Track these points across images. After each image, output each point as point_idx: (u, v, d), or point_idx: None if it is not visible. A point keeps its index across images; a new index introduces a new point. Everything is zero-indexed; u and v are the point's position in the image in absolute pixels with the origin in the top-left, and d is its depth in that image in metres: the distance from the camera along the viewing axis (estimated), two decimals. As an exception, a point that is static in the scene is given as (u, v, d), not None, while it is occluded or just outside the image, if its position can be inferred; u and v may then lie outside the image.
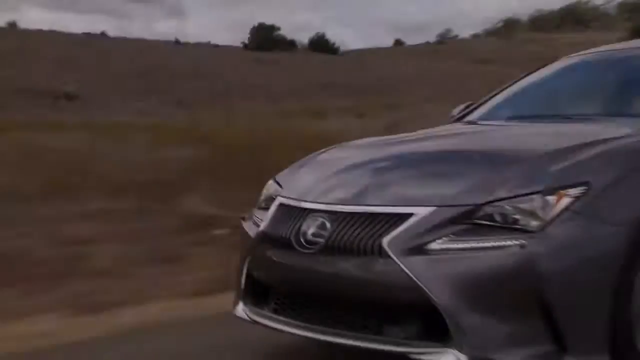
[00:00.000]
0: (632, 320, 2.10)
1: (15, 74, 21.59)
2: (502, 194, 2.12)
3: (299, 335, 2.43)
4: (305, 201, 2.45)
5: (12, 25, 41.89)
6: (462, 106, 3.66)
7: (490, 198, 2.13)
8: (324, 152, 3.03)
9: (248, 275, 2.59)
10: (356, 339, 2.21)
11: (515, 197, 2.11)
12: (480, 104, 3.65)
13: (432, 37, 61.02)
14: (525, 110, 3.48)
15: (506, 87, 3.73)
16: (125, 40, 38.45)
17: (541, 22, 56.96)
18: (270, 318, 2.48)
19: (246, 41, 42.41)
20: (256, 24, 43.56)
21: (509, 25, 58.65)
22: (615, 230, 2.07)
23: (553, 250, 2.01)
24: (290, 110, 18.40)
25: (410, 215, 2.15)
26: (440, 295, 2.01)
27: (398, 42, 58.69)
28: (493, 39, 54.64)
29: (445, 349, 2.02)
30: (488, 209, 2.10)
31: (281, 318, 2.45)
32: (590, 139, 2.45)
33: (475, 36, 60.57)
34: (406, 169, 2.59)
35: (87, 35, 39.78)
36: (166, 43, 39.60)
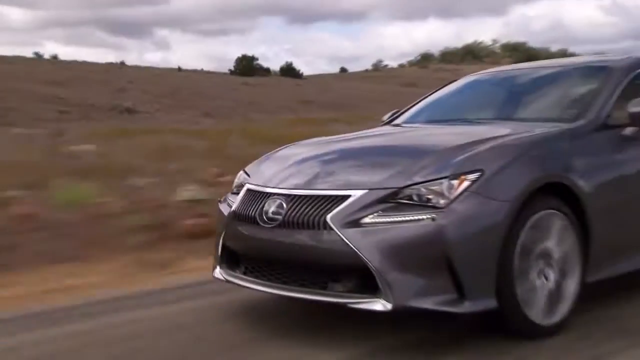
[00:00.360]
0: (513, 272, 2.49)
1: (82, 94, 25.34)
2: (418, 179, 2.56)
3: (263, 292, 2.85)
4: (267, 187, 2.89)
5: (54, 57, 47.99)
6: (390, 113, 4.18)
7: (409, 182, 2.57)
8: (281, 149, 3.44)
9: (223, 246, 3.04)
10: (306, 293, 2.65)
11: (428, 181, 2.55)
12: (404, 111, 4.13)
13: (365, 66, 73.39)
14: (437, 116, 3.95)
15: (423, 99, 4.21)
16: (140, 68, 44.63)
17: (449, 56, 70.25)
18: (240, 278, 2.92)
19: (232, 68, 50.19)
20: (240, 55, 51.71)
21: (426, 58, 72.38)
22: (501, 205, 2.49)
23: (456, 221, 2.44)
24: (290, 120, 19.26)
25: (348, 196, 2.58)
26: (371, 258, 2.42)
27: (343, 70, 68.86)
28: (415, 68, 65.50)
29: (376, 299, 2.43)
30: (407, 191, 2.54)
31: (249, 278, 2.88)
32: (483, 137, 2.88)
33: (401, 65, 71.99)
34: (345, 161, 3.02)
35: (110, 64, 45.67)
36: (170, 69, 46.44)
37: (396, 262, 2.43)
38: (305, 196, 2.71)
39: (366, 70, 68.11)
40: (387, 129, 3.94)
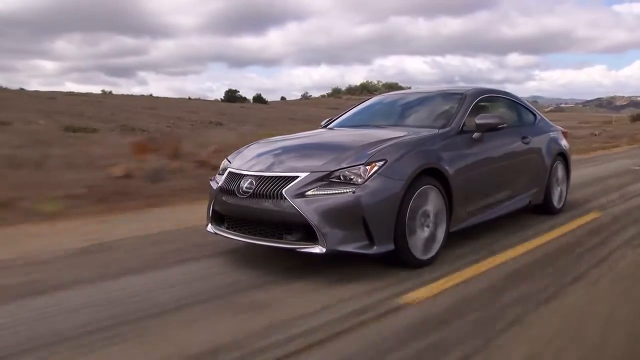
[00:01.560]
0: (405, 225, 3.16)
1: (124, 119, 26.93)
2: (344, 165, 3.14)
3: (239, 240, 3.40)
4: (242, 170, 3.43)
5: (85, 94, 52.89)
6: (325, 120, 4.91)
7: (338, 167, 3.13)
8: (251, 144, 3.94)
9: (213, 209, 3.54)
10: (269, 241, 3.20)
11: (350, 167, 3.13)
12: (334, 119, 4.84)
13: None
14: (356, 122, 4.60)
15: (347, 111, 4.97)
16: (153, 97, 53.53)
17: (352, 90, 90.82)
18: (224, 231, 3.44)
19: (222, 97, 64.42)
20: (227, 89, 66.05)
21: (337, 91, 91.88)
22: (398, 182, 3.12)
23: (368, 193, 3.03)
24: (283, 129, 20.08)
25: (297, 177, 3.14)
26: (312, 218, 2.98)
27: (283, 98, 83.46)
28: (332, 98, 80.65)
29: (315, 245, 3.01)
30: (337, 173, 3.11)
31: (230, 231, 3.41)
32: (386, 138, 3.50)
33: (322, 96, 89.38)
34: (295, 152, 3.55)
35: (130, 96, 52.57)
36: (181, 98, 55.70)
37: (329, 221, 2.98)
38: (268, 177, 3.24)
39: (300, 99, 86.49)
40: (323, 131, 4.56)
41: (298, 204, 3.05)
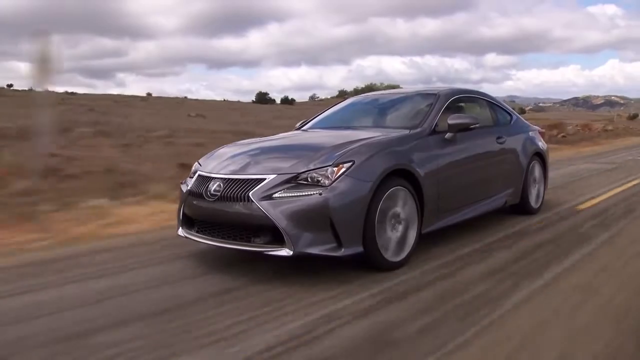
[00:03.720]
0: (374, 227, 3.03)
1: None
2: (312, 166, 3.00)
3: (208, 244, 3.27)
4: (211, 173, 3.27)
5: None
6: (300, 122, 4.74)
7: (306, 169, 3.00)
8: (220, 147, 3.80)
9: (183, 213, 3.40)
10: (237, 244, 3.07)
11: (317, 168, 2.99)
12: (309, 120, 4.66)
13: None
14: (330, 123, 4.44)
15: (321, 112, 4.78)
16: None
17: (359, 92, 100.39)
18: (194, 235, 3.29)
19: (254, 99, 69.58)
20: (258, 91, 72.96)
21: (343, 93, 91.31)
22: (366, 183, 2.99)
23: (335, 195, 2.90)
24: None
25: (264, 179, 3.00)
26: (279, 220, 2.85)
27: (293, 100, 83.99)
28: (337, 99, 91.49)
29: (282, 248, 2.88)
30: (304, 175, 2.98)
31: (200, 235, 3.27)
32: (356, 139, 3.35)
33: (326, 98, 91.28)
34: (263, 155, 3.39)
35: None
36: (215, 101, 55.31)
37: (296, 223, 2.85)
38: (235, 179, 3.11)
39: (309, 100, 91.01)
40: (296, 132, 4.39)
41: (265, 207, 2.92)
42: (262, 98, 69.80)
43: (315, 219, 2.89)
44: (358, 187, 3.00)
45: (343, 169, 3.02)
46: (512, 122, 4.98)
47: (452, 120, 3.80)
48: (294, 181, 3.01)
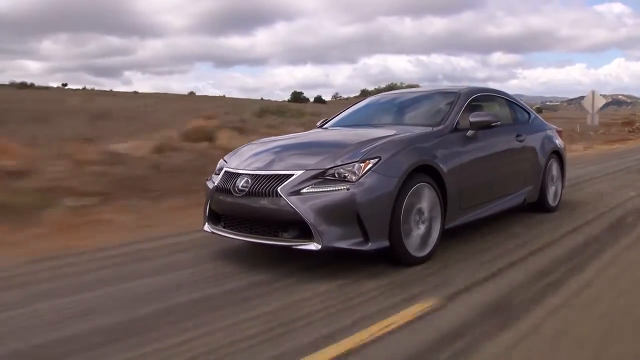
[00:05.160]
0: (399, 222, 3.02)
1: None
2: (339, 162, 3.01)
3: (236, 239, 3.27)
4: (238, 169, 3.29)
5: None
6: (321, 120, 4.74)
7: (333, 165, 3.00)
8: (247, 144, 3.83)
9: (209, 209, 3.40)
10: (265, 239, 3.08)
11: (345, 164, 3.00)
12: (330, 119, 4.64)
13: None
14: (351, 122, 4.43)
15: (342, 111, 4.79)
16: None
17: (380, 91, 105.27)
18: (221, 230, 3.30)
19: (289, 98, 71.17)
20: (293, 91, 69.19)
21: (365, 92, 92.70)
22: (392, 179, 3.00)
23: (362, 190, 2.90)
24: None
25: (292, 175, 3.01)
26: (307, 215, 2.86)
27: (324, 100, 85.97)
28: (358, 97, 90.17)
29: (311, 242, 2.88)
30: (331, 171, 2.98)
31: (227, 230, 3.27)
32: (381, 136, 3.36)
33: (348, 98, 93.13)
34: (290, 151, 3.40)
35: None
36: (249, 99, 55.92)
37: (324, 218, 2.87)
38: (264, 175, 3.12)
39: (331, 100, 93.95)
40: (319, 131, 4.38)
41: (293, 202, 2.93)
42: (297, 97, 71.98)
43: (342, 214, 2.90)
44: (384, 183, 3.01)
45: (370, 165, 3.02)
46: (530, 121, 4.94)
47: (474, 117, 3.79)
48: (321, 177, 3.01)
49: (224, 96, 64.65)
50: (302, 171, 3.04)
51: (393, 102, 4.68)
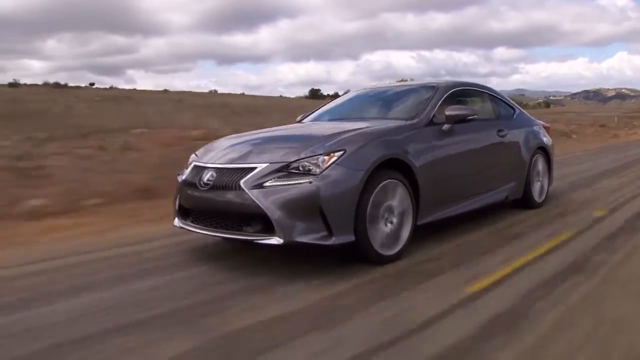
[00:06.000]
0: (365, 217, 2.94)
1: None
2: (303, 155, 2.92)
3: (203, 234, 3.19)
4: (206, 163, 3.21)
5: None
6: (301, 115, 4.63)
7: (297, 158, 2.92)
8: (219, 139, 3.74)
9: (178, 204, 3.33)
10: (230, 234, 3.00)
11: (309, 157, 2.92)
12: (310, 114, 4.55)
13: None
14: (330, 116, 4.31)
15: (322, 105, 4.70)
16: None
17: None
18: (190, 225, 3.22)
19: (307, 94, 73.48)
20: (311, 88, 70.38)
21: None
22: (357, 173, 2.90)
23: (326, 184, 2.82)
24: None
25: (255, 168, 2.94)
26: (269, 209, 2.78)
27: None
28: None
29: (273, 237, 2.80)
30: (295, 164, 2.90)
31: (195, 225, 3.19)
32: (350, 129, 3.27)
33: None
34: (258, 145, 3.30)
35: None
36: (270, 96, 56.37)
37: (286, 211, 2.79)
38: (227, 168, 3.07)
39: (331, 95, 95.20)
40: (294, 125, 4.28)
41: (255, 195, 2.86)
42: (315, 94, 72.85)
43: (305, 208, 2.82)
44: (349, 176, 2.92)
45: (334, 158, 2.94)
46: (514, 116, 4.81)
47: (450, 111, 3.67)
48: (285, 170, 2.94)
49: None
50: (266, 164, 2.97)
51: (373, 96, 4.58)
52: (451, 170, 3.62)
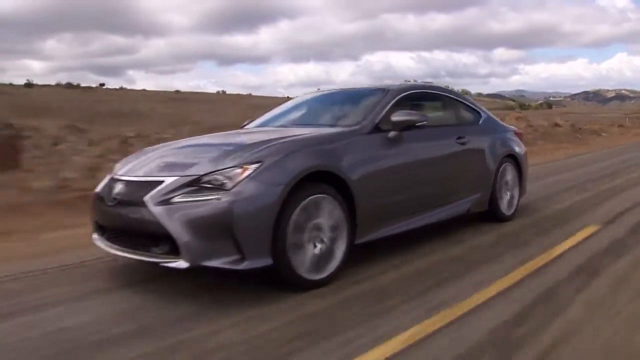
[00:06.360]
0: (285, 238, 2.58)
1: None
2: (213, 168, 2.59)
3: (115, 254, 2.82)
4: (121, 175, 2.91)
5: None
6: (248, 120, 4.24)
7: (210, 170, 2.59)
8: (139, 151, 3.43)
9: (94, 219, 3.02)
10: (137, 254, 2.69)
11: (221, 170, 2.58)
12: (256, 119, 4.19)
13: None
14: (274, 122, 3.96)
15: (270, 110, 4.31)
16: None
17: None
18: (105, 244, 2.90)
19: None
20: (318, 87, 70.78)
21: None
22: (275, 188, 2.55)
23: (238, 200, 2.47)
24: None
25: (162, 182, 2.62)
26: (173, 228, 2.46)
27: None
28: None
29: (179, 259, 2.48)
30: (207, 177, 2.57)
31: (108, 243, 2.88)
32: (274, 138, 2.91)
33: None
34: (176, 156, 3.01)
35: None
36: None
37: (193, 231, 2.46)
38: (135, 182, 2.76)
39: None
40: (231, 132, 3.86)
41: (159, 213, 2.53)
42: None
43: (214, 228, 2.49)
44: (265, 192, 2.57)
45: (249, 171, 2.60)
46: (480, 122, 4.42)
47: (396, 117, 3.30)
48: (196, 184, 2.60)
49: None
50: (175, 178, 2.64)
51: (322, 100, 4.19)
52: (398, 182, 3.26)
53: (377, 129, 3.24)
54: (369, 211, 3.00)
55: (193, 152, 3.03)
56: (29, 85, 43.17)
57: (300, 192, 2.64)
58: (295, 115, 4.05)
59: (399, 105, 3.46)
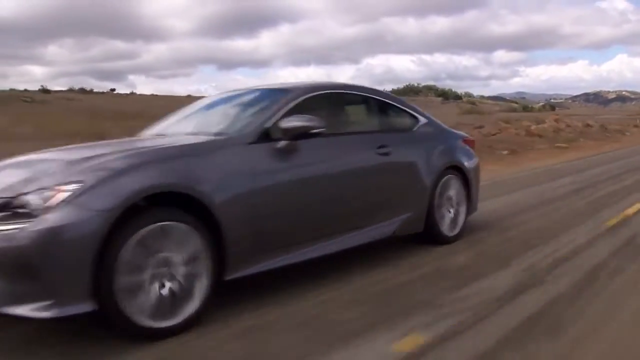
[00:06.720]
0: (114, 280, 2.05)
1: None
2: (26, 190, 2.08)
3: None
4: None
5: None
6: (153, 124, 3.57)
7: (18, 193, 2.08)
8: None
9: None
10: None
11: (32, 192, 2.06)
12: (157, 124, 3.54)
13: None
14: (168, 128, 3.31)
15: (173, 113, 3.66)
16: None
17: (404, 91, 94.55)
18: None
19: None
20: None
21: (409, 89, 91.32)
22: (97, 215, 2.02)
23: (47, 230, 1.96)
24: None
25: None
26: None
27: None
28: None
29: None
30: (15, 201, 2.07)
31: None
32: (131, 147, 2.43)
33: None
34: (18, 169, 2.43)
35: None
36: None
37: None
38: None
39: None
40: (121, 140, 3.23)
41: None
42: None
43: (15, 265, 1.97)
44: (82, 219, 2.03)
45: (65, 194, 2.06)
46: (416, 128, 3.82)
47: (285, 123, 2.74)
48: (6, 209, 2.07)
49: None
50: None
51: (221, 103, 3.58)
52: (288, 203, 2.70)
53: (265, 137, 2.70)
54: (245, 239, 2.46)
55: (22, 168, 2.46)
56: (45, 91, 42.98)
57: (138, 218, 2.13)
58: (193, 119, 3.47)
59: (301, 110, 2.89)
